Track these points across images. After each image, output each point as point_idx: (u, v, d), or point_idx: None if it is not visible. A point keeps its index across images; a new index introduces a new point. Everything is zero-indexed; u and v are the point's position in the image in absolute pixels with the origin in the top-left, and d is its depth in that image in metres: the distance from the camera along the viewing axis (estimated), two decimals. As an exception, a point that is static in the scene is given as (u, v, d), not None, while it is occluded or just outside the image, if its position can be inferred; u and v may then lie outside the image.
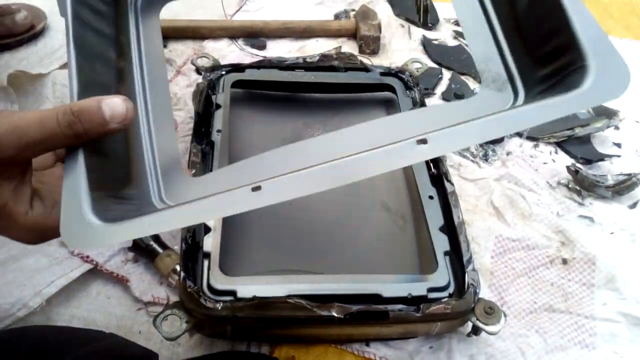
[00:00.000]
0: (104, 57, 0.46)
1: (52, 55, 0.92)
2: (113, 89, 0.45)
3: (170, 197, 0.45)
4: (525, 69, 0.46)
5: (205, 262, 0.56)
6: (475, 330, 0.57)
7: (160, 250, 0.65)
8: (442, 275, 0.56)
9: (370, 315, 0.53)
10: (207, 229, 0.58)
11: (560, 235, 0.69)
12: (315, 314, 0.51)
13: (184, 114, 0.84)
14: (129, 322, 0.61)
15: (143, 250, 0.65)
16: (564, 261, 0.66)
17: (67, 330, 0.58)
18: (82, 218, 0.35)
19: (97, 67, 0.44)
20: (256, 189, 0.34)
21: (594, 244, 0.67)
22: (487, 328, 0.54)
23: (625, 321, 0.62)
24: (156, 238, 0.66)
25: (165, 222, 0.36)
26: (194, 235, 0.58)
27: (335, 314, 0.51)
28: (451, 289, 0.56)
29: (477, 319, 0.54)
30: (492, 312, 0.55)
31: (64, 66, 0.90)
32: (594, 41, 0.37)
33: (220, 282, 0.54)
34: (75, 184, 0.36)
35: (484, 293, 0.63)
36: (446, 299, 0.54)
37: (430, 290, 0.55)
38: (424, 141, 0.34)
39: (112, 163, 0.42)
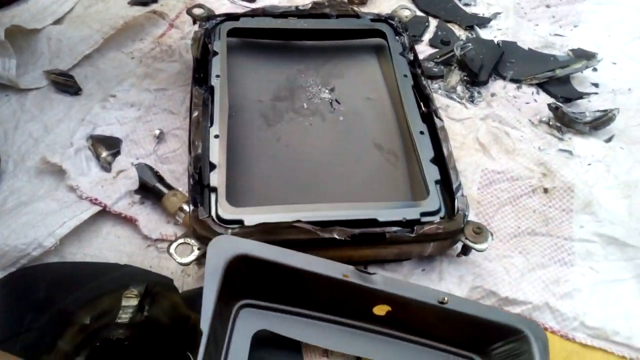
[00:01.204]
0: None
1: (44, 11, 0.92)
2: None
3: None
4: None
5: (213, 196, 0.59)
6: (465, 251, 0.62)
7: (165, 190, 0.68)
8: (434, 200, 0.61)
9: (369, 237, 0.57)
10: (212, 166, 0.61)
11: (541, 167, 0.73)
12: (318, 236, 0.56)
13: (179, 65, 0.86)
14: (139, 258, 0.64)
15: (149, 191, 0.68)
16: (545, 190, 0.71)
17: (84, 265, 0.61)
18: None
19: None
20: None
21: (573, 174, 0.72)
22: (476, 246, 0.59)
23: (601, 241, 0.67)
24: (161, 179, 0.69)
25: None
26: (200, 173, 0.61)
27: (337, 236, 0.56)
28: (442, 214, 0.60)
29: (467, 239, 0.59)
30: (480, 231, 0.59)
31: (58, 21, 0.91)
32: None
33: (228, 212, 0.58)
34: None
35: (472, 221, 0.67)
36: (438, 220, 0.59)
37: (423, 214, 0.59)
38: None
39: None
